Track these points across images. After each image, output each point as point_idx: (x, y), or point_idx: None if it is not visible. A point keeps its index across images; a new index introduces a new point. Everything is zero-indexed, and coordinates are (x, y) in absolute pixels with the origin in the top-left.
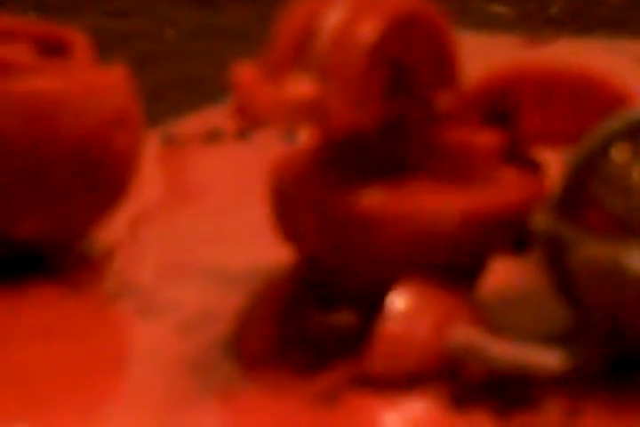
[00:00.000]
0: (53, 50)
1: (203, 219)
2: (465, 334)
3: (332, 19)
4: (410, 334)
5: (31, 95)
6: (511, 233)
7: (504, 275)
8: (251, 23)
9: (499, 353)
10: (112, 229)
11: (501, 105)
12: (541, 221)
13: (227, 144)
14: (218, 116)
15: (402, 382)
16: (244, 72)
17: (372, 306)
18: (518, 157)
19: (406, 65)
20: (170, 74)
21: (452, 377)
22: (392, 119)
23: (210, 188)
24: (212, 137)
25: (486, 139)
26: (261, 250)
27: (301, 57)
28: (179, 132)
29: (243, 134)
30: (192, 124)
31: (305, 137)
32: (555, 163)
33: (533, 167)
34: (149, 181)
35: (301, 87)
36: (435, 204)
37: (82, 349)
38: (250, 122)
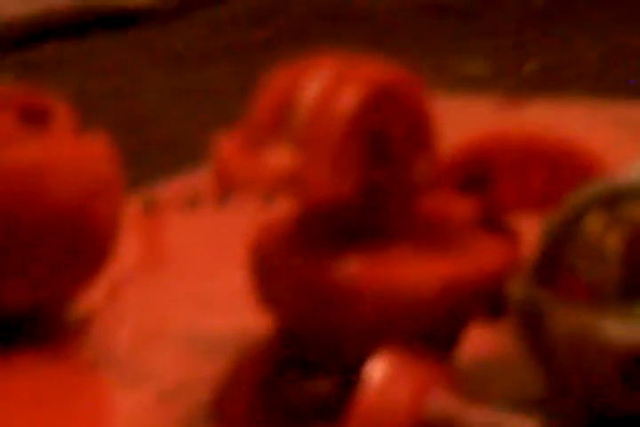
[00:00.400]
0: (35, 116)
1: (181, 284)
2: (443, 403)
3: (312, 89)
4: (387, 403)
5: (14, 167)
6: (488, 300)
7: (481, 342)
8: (228, 82)
9: (476, 421)
10: (92, 295)
11: (478, 172)
12: (517, 288)
13: (205, 209)
14: (197, 180)
15: None
16: (224, 143)
17: (352, 373)
18: (494, 224)
19: (384, 134)
20: (150, 135)
21: None
22: (370, 188)
23: (189, 253)
24: (192, 202)
25: (463, 206)
26: (240, 316)
27: (281, 128)
28: (158, 197)
29: (221, 200)
30: (171, 188)
31: (283, 200)
32: (531, 229)
33: (509, 234)
34: (128, 246)
35: (280, 159)
36: (413, 272)
37: (65, 416)
38: (229, 191)
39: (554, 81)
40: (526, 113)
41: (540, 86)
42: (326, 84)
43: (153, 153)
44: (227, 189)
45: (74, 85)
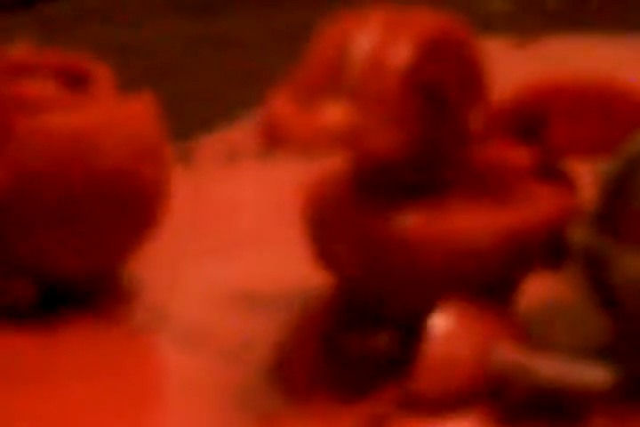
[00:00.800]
0: (76, 82)
1: (231, 243)
2: (508, 353)
3: (364, 43)
4: (454, 355)
5: (60, 132)
6: (548, 248)
7: (542, 291)
8: (253, 31)
9: (543, 371)
10: (142, 260)
11: (530, 120)
12: (579, 235)
13: (248, 164)
14: (237, 134)
15: (449, 404)
16: (277, 100)
17: (412, 328)
18: (550, 172)
19: (437, 85)
20: (178, 88)
21: (499, 397)
22: (425, 140)
23: (235, 210)
24: (232, 157)
25: (517, 155)
26: (295, 272)
27: (334, 82)
28: (196, 152)
29: (268, 154)
30: (210, 143)
31: (333, 156)
32: (588, 176)
33: (566, 181)
34: (173, 207)
35: (337, 114)
36: (472, 224)
37: (122, 382)
38: (279, 147)
39: (579, 17)
40: (550, 50)
41: (565, 22)
42: (378, 37)
43: (183, 106)
44: (278, 145)
45: (94, 39)
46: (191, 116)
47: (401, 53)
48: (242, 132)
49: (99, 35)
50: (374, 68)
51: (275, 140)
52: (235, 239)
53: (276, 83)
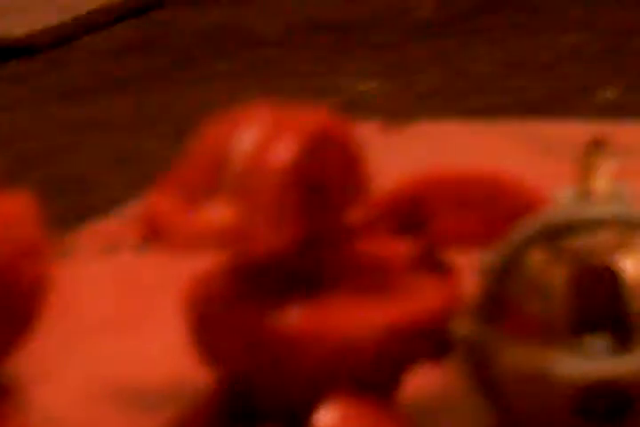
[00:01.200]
0: None
1: (109, 339)
2: None
3: (246, 141)
4: None
5: None
6: (432, 340)
7: (426, 382)
8: (128, 114)
9: None
10: (19, 357)
11: (414, 212)
12: (462, 326)
13: (126, 257)
14: (113, 226)
15: None
16: (158, 197)
17: (297, 422)
18: (432, 264)
19: (319, 182)
20: (53, 173)
21: None
22: (307, 236)
23: (110, 305)
24: (110, 249)
25: (399, 248)
26: (176, 370)
27: (216, 180)
28: (74, 244)
29: (143, 246)
30: (85, 234)
31: (211, 252)
32: (468, 266)
33: (448, 273)
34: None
35: (219, 212)
36: (355, 318)
37: None
38: (165, 246)
39: (448, 98)
40: (421, 135)
41: (433, 105)
42: (261, 135)
43: (59, 191)
44: (159, 241)
45: None
46: (68, 202)
47: (283, 151)
48: (119, 224)
49: None
50: (256, 166)
51: (156, 237)
52: (115, 334)
53: (153, 166)
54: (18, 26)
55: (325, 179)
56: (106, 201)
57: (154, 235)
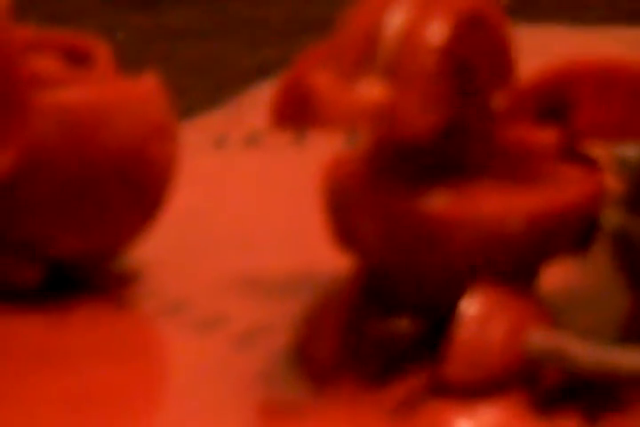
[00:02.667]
0: (77, 60)
1: (244, 227)
2: (544, 338)
3: (399, 18)
4: (486, 339)
5: (68, 108)
6: (576, 231)
7: (569, 274)
8: (199, 22)
9: (582, 356)
10: (149, 243)
11: (557, 101)
12: (611, 217)
13: (239, 151)
14: (228, 118)
15: (480, 390)
16: (318, 72)
17: (436, 312)
18: (575, 155)
19: (469, 65)
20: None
21: (533, 382)
22: (452, 120)
23: (253, 193)
24: (221, 143)
25: (543, 136)
26: (311, 255)
27: (370, 58)
28: (183, 138)
29: (297, 135)
30: (194, 129)
31: (363, 136)
32: (609, 158)
33: (591, 164)
34: (184, 187)
35: (374, 90)
36: (500, 206)
37: (133, 367)
38: (315, 125)
39: (534, 12)
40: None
41: (519, 17)
42: (414, 14)
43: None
44: (317, 121)
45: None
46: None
47: (437, 31)
48: (225, 118)
49: (40, 27)
50: (410, 45)
51: (306, 112)
52: (244, 225)
53: (232, 73)
54: None
55: (475, 61)
56: (185, 108)
57: (306, 107)
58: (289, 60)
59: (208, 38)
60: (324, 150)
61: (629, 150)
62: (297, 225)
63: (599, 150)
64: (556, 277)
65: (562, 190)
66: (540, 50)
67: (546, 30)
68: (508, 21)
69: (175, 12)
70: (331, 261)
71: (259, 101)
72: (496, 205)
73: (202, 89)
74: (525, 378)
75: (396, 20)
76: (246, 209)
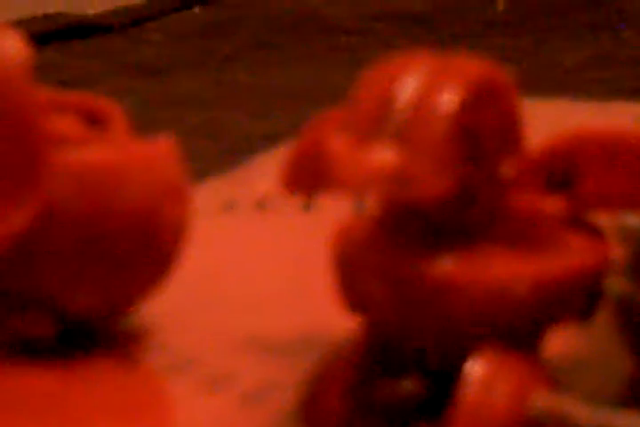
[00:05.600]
0: (94, 121)
1: (254, 288)
2: (547, 400)
3: (411, 86)
4: (491, 402)
5: (87, 167)
6: (580, 297)
7: (572, 340)
8: (207, 89)
9: (584, 418)
10: (160, 301)
11: (564, 170)
12: (615, 285)
13: (249, 214)
14: (232, 184)
15: None
16: (333, 137)
17: (442, 374)
18: (582, 223)
19: (478, 132)
20: None
21: None
22: (461, 186)
23: (249, 258)
24: (231, 206)
25: (550, 204)
26: (318, 317)
27: (383, 125)
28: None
29: (306, 199)
30: (206, 192)
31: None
32: (613, 227)
33: (597, 232)
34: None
35: (386, 155)
36: (506, 271)
37: (142, 424)
38: (328, 188)
39: (533, 85)
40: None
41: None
42: (426, 80)
43: None
44: (330, 185)
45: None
46: None
47: (449, 99)
48: (235, 182)
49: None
50: (422, 113)
51: (319, 176)
52: (253, 286)
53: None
54: (91, 6)
55: (485, 129)
56: (195, 172)
57: (317, 172)
58: (297, 128)
59: (215, 105)
60: (332, 215)
61: (633, 220)
62: (305, 287)
63: (604, 220)
64: (560, 341)
65: (567, 257)
66: (547, 122)
67: (551, 104)
68: (517, 91)
69: (183, 80)
70: (338, 322)
71: (268, 167)
72: (502, 270)
73: (210, 155)
74: None
75: (408, 87)
76: (256, 271)
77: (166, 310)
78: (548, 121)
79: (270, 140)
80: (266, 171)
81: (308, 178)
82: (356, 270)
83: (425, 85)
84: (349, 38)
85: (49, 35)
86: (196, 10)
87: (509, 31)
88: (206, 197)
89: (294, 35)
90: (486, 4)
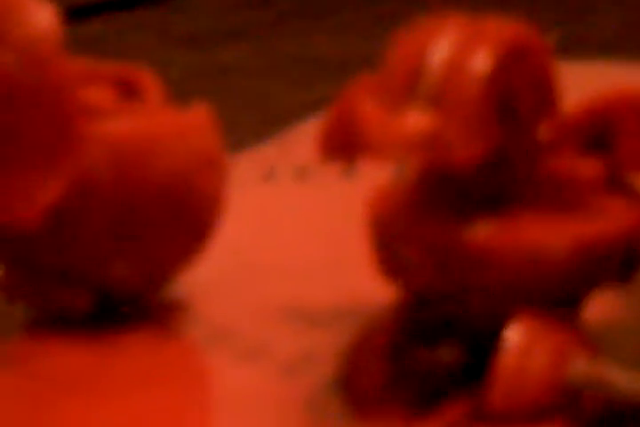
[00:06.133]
0: (128, 92)
1: (291, 258)
2: (585, 366)
3: (443, 49)
4: (528, 368)
5: (118, 138)
6: (618, 261)
7: (613, 305)
8: (249, 59)
9: (622, 384)
10: (197, 273)
11: (600, 132)
12: None
13: (289, 183)
14: (270, 153)
15: (523, 417)
16: (365, 103)
17: (480, 340)
18: (619, 185)
19: (512, 94)
20: None
21: (574, 410)
22: (498, 150)
23: (299, 223)
24: (271, 175)
25: (589, 168)
26: (356, 285)
27: (416, 89)
28: (235, 170)
29: (347, 165)
30: (245, 161)
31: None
32: None
33: (635, 195)
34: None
35: (419, 119)
36: (544, 235)
37: (180, 396)
38: (362, 154)
39: (578, 49)
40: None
41: (566, 54)
42: (458, 44)
43: None
44: (363, 149)
45: None
46: None
47: (482, 61)
48: (274, 152)
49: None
50: (455, 75)
51: (353, 142)
52: (290, 256)
53: (282, 109)
54: None
55: (519, 92)
56: (236, 142)
57: (354, 138)
58: (337, 97)
59: (257, 75)
60: (372, 182)
61: None
62: (343, 256)
63: None
64: (599, 306)
65: (605, 220)
66: (584, 85)
67: (591, 67)
68: (551, 54)
69: (226, 50)
70: (376, 291)
71: (307, 136)
72: (539, 234)
73: (251, 124)
74: (568, 406)
75: (440, 51)
76: (293, 241)
77: (204, 281)
78: (587, 84)
79: (311, 109)
80: (305, 140)
81: (345, 145)
82: (392, 237)
83: (457, 48)
84: (394, 6)
85: (95, 6)
86: None
87: None
88: (246, 167)
89: (336, 3)
90: None
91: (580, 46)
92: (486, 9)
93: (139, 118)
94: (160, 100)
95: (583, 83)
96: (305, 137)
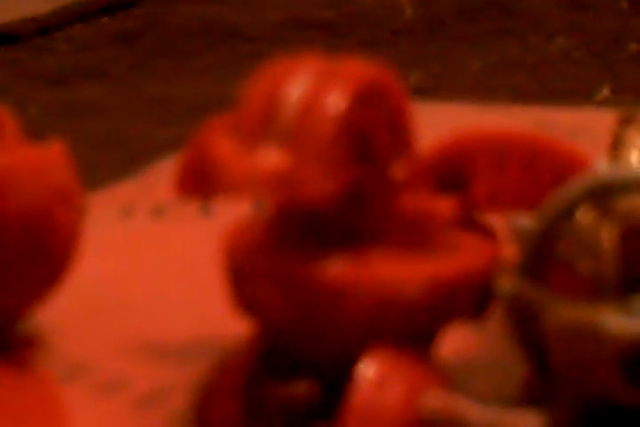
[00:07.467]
0: None
1: (149, 293)
2: (439, 401)
3: (299, 88)
4: (382, 402)
5: None
6: (471, 297)
7: (465, 340)
8: (109, 98)
9: (476, 418)
10: (53, 308)
11: (455, 171)
12: (507, 285)
13: (145, 219)
14: (129, 189)
15: None
16: (220, 142)
17: (335, 377)
18: (473, 223)
19: (366, 133)
20: None
21: None
22: (351, 188)
23: (150, 262)
24: (129, 211)
25: (442, 206)
26: (213, 320)
27: (270, 127)
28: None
29: (202, 204)
30: (103, 198)
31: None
32: (505, 228)
33: (488, 233)
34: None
35: (273, 157)
36: (397, 272)
37: None
38: (217, 193)
39: (440, 90)
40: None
41: (427, 95)
42: (313, 83)
43: None
44: (216, 189)
45: None
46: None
47: (336, 100)
48: (132, 189)
49: None
50: (309, 114)
51: (209, 180)
52: (148, 292)
53: (144, 147)
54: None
55: (374, 131)
56: (94, 180)
57: (208, 175)
58: (194, 136)
59: (117, 114)
60: (229, 219)
61: (523, 220)
62: (200, 291)
63: (496, 220)
64: (454, 342)
65: (458, 258)
66: (440, 125)
67: (450, 108)
68: (408, 94)
69: (86, 89)
70: (232, 326)
71: (165, 174)
72: (392, 272)
73: (110, 163)
74: None
75: (295, 90)
76: (151, 276)
77: (60, 316)
78: (443, 124)
79: (171, 148)
80: (164, 177)
81: (200, 183)
82: (246, 274)
83: (311, 88)
84: (255, 46)
85: None
86: (104, 20)
87: (417, 38)
88: (104, 205)
89: (199, 44)
90: (394, 11)
91: (439, 88)
92: (347, 50)
93: None
94: (15, 136)
95: (439, 123)
96: (163, 175)
